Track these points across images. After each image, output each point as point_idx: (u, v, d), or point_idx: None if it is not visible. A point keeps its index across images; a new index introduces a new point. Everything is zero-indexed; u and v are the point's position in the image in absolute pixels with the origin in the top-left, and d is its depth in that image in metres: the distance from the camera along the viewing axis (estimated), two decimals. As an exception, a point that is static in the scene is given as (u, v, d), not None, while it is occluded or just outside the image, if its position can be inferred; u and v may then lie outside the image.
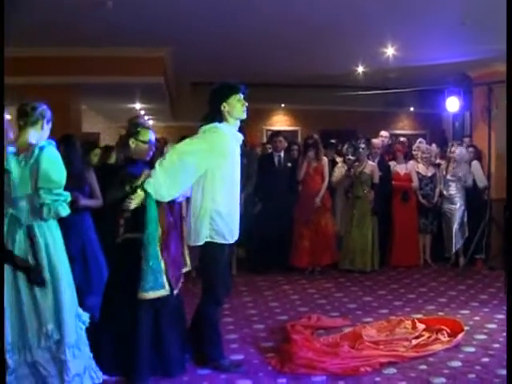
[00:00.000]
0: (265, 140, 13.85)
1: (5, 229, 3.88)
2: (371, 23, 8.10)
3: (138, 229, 4.52)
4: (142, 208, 4.46)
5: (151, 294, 4.38)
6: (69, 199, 4.04)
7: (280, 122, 15.71)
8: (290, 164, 9.18)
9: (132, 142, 4.88)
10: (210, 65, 10.44)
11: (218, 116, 4.72)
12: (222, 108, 4.70)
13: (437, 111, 13.81)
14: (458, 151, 9.40)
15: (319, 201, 8.81)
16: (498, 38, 7.14)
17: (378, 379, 4.63)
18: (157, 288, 4.38)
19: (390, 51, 9.60)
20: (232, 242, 4.84)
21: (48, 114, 4.18)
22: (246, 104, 4.77)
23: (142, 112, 14.57)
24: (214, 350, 4.91)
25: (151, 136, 4.92)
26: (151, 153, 4.97)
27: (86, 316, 4.15)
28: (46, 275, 3.89)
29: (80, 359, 3.99)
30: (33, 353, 3.88)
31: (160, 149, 8.34)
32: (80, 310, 4.13)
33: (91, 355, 4.17)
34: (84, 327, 4.11)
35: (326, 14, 7.70)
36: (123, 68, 9.39)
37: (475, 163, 9.57)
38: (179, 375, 4.69)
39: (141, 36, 8.50)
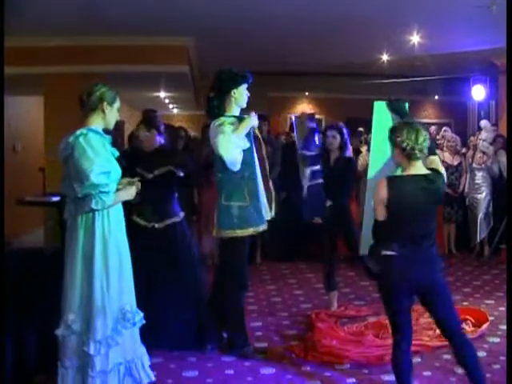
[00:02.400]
0: (289, 128, 13.82)
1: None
2: (396, 11, 8.04)
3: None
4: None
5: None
6: (108, 190, 3.67)
7: (304, 110, 15.59)
8: (314, 152, 9.11)
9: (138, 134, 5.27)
10: (234, 54, 10.41)
11: (225, 102, 4.72)
12: (232, 94, 4.70)
13: (462, 99, 13.71)
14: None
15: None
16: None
17: (402, 368, 4.64)
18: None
19: (415, 39, 9.51)
20: None
21: (109, 95, 3.79)
22: (248, 94, 4.81)
23: (167, 101, 14.61)
24: (239, 337, 4.96)
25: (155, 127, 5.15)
26: (158, 142, 5.21)
27: (131, 314, 3.79)
28: (78, 266, 3.68)
29: (110, 357, 3.69)
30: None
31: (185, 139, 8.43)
32: (128, 308, 3.80)
33: (140, 354, 3.93)
34: (130, 326, 3.79)
35: (351, 1, 7.66)
36: (148, 57, 9.36)
37: (501, 152, 9.46)
38: None
39: (166, 25, 8.51)
